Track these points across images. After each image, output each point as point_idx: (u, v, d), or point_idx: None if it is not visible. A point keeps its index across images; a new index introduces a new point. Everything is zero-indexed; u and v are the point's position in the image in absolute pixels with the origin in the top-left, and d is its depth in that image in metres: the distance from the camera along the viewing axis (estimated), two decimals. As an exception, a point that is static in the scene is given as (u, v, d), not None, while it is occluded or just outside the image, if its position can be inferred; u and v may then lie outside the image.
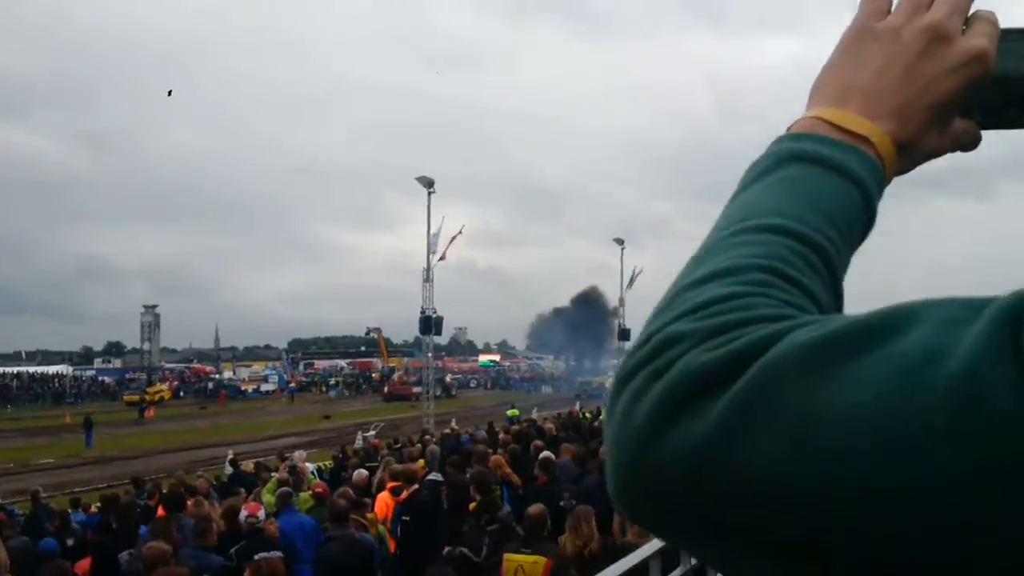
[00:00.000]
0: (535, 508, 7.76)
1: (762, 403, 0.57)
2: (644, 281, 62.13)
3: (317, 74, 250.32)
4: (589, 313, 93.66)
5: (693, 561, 4.68)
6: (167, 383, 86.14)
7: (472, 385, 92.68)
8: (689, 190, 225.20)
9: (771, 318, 0.63)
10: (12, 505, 17.66)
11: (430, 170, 37.86)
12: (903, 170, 0.84)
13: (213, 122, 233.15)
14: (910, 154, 0.82)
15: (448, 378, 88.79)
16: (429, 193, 37.73)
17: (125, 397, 73.35)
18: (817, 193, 0.76)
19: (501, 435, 19.76)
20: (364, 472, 12.97)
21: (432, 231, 38.52)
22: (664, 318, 0.68)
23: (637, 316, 66.65)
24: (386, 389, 78.05)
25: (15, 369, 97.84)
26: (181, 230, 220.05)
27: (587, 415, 29.78)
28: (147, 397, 68.97)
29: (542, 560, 7.07)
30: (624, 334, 64.62)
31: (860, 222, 0.78)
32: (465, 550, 8.68)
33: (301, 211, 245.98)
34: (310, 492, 11.81)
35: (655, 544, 4.33)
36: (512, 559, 7.22)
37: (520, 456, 13.72)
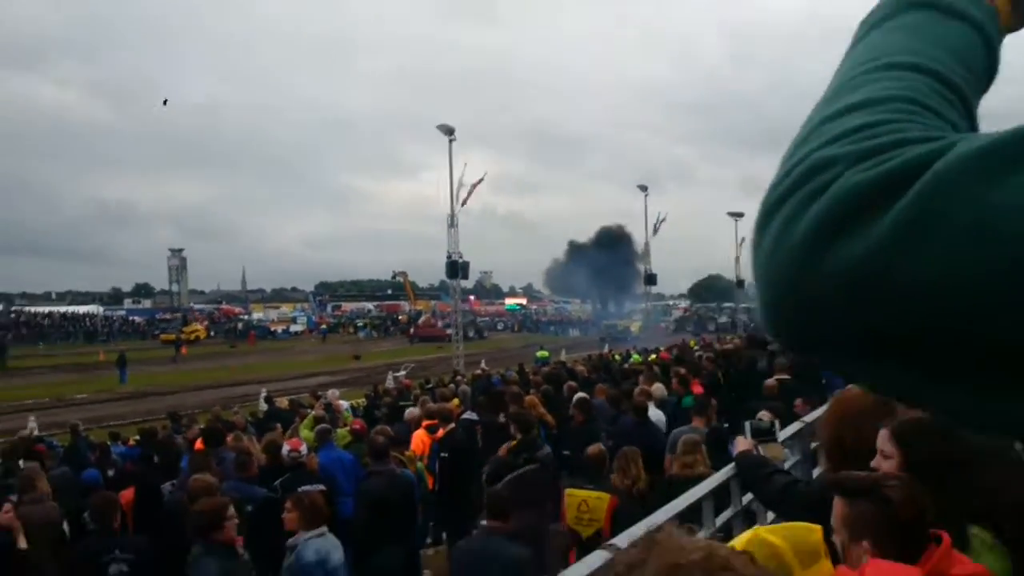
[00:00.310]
0: (594, 447, 7.84)
1: (937, 210, 0.58)
2: (668, 227, 61.97)
3: (341, 23, 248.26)
4: (614, 255, 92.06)
5: (745, 499, 4.68)
6: (201, 323, 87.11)
7: (499, 328, 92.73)
8: (708, 135, 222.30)
9: (923, 139, 0.64)
10: (51, 438, 17.93)
11: (451, 118, 38.71)
12: (1015, 27, 0.84)
13: (238, 69, 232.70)
14: (1021, 11, 0.83)
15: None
16: (450, 140, 38.06)
17: (162, 336, 74.28)
18: (942, 35, 0.77)
19: (532, 376, 19.81)
20: (416, 410, 12.98)
21: (455, 178, 38.86)
22: (808, 147, 0.69)
23: (662, 262, 66.63)
24: (412, 331, 78.24)
25: (46, 309, 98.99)
26: (207, 176, 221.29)
27: (616, 357, 29.81)
28: (183, 336, 69.83)
29: (606, 496, 7.16)
30: (651, 279, 64.54)
31: (984, 67, 0.79)
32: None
33: (325, 158, 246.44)
34: (347, 428, 11.92)
35: (707, 485, 4.34)
36: (575, 494, 7.32)
37: (553, 397, 13.78)
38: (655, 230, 61.16)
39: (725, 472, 4.51)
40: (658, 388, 12.19)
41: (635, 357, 27.58)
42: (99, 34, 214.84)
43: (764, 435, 4.41)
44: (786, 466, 4.55)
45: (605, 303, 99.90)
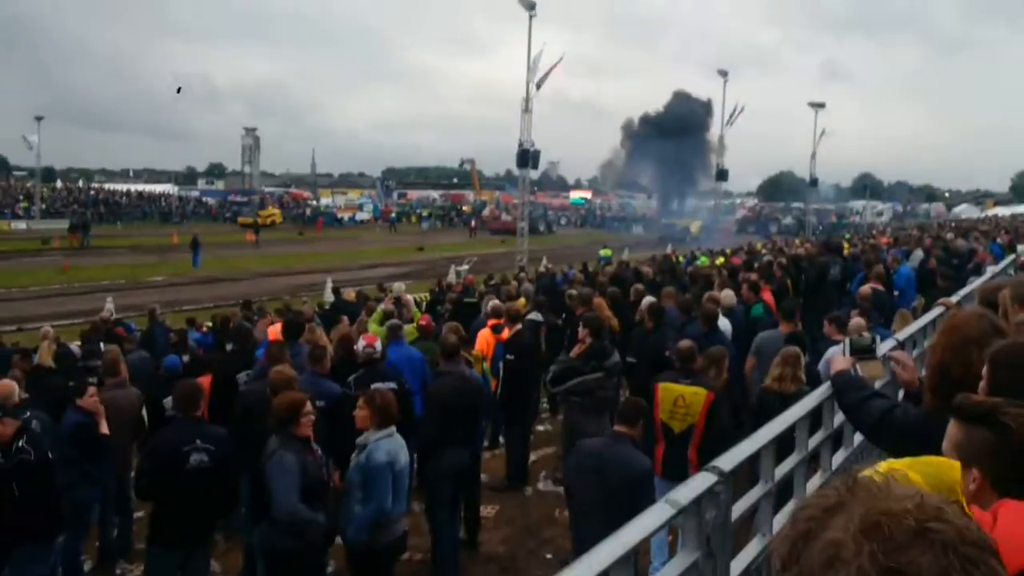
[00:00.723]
0: (685, 343, 7.93)
1: None
2: (743, 117, 60.06)
3: None
4: (681, 142, 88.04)
5: (836, 421, 4.65)
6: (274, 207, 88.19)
7: (563, 223, 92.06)
8: (793, 17, 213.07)
9: None
10: (128, 320, 18.47)
11: None
12: None
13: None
14: None
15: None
16: (530, 16, 35.94)
17: (240, 219, 75.09)
18: None
19: (598, 277, 19.70)
20: (498, 303, 12.96)
21: (531, 58, 36.76)
22: None
23: (736, 156, 64.78)
24: (473, 223, 77.99)
25: (124, 187, 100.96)
26: (280, 52, 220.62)
27: (681, 259, 29.41)
28: (259, 220, 70.70)
29: (703, 392, 7.28)
30: (722, 174, 63.10)
31: None
32: (572, 392, 8.82)
33: (395, 35, 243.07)
34: (414, 325, 11.98)
35: (803, 406, 4.30)
36: (670, 388, 7.41)
37: (619, 300, 13.65)
38: (730, 121, 59.28)
39: (821, 393, 4.41)
40: (727, 295, 11.99)
41: (702, 259, 27.29)
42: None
43: (864, 352, 4.29)
44: (878, 385, 4.46)
45: (668, 199, 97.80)
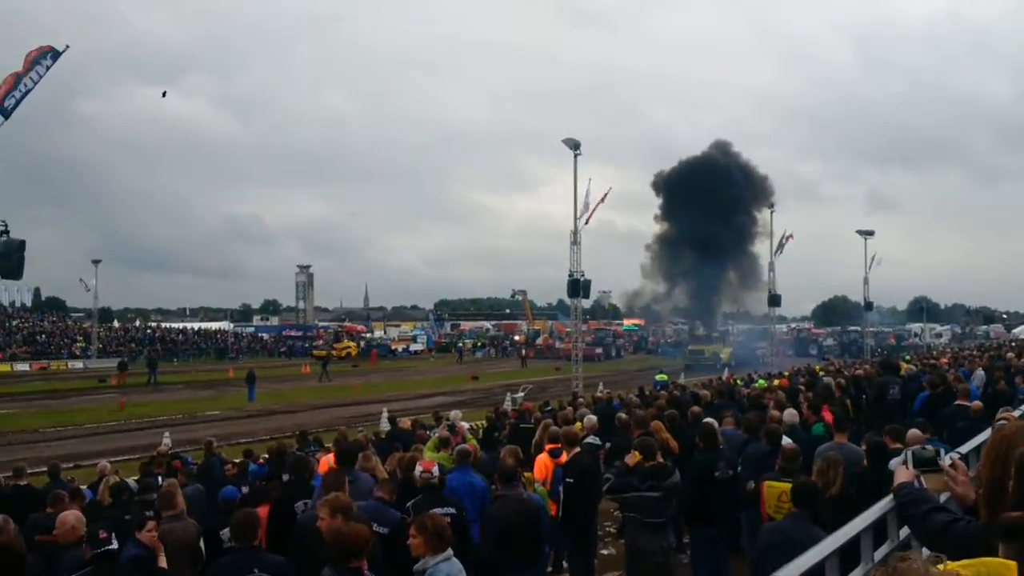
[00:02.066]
0: (789, 444, 9.02)
1: None
2: (793, 245, 60.33)
3: (456, 38, 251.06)
4: (724, 262, 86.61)
5: (902, 533, 4.55)
6: (353, 340, 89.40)
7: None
8: (836, 151, 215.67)
9: None
10: (185, 454, 18.55)
11: (566, 132, 36.92)
12: None
13: (356, 86, 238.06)
14: None
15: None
16: (575, 155, 36.89)
17: (314, 352, 75.16)
18: None
19: (656, 400, 19.56)
20: (555, 427, 12.88)
21: (578, 193, 37.61)
22: None
23: (785, 281, 64.65)
24: (524, 352, 78.41)
25: (180, 325, 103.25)
26: (329, 191, 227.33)
27: (739, 382, 29.19)
28: (334, 353, 71.75)
29: None
30: (774, 299, 62.88)
31: None
32: (631, 512, 8.68)
33: (444, 173, 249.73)
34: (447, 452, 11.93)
35: (866, 518, 4.24)
36: (774, 486, 8.30)
37: (678, 422, 13.58)
38: (780, 248, 59.64)
39: (883, 505, 4.38)
40: (790, 414, 11.95)
41: (760, 382, 26.98)
42: (227, 50, 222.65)
43: (927, 465, 4.24)
44: (943, 499, 4.37)
45: (709, 323, 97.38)
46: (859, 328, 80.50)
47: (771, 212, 60.96)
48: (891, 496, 4.29)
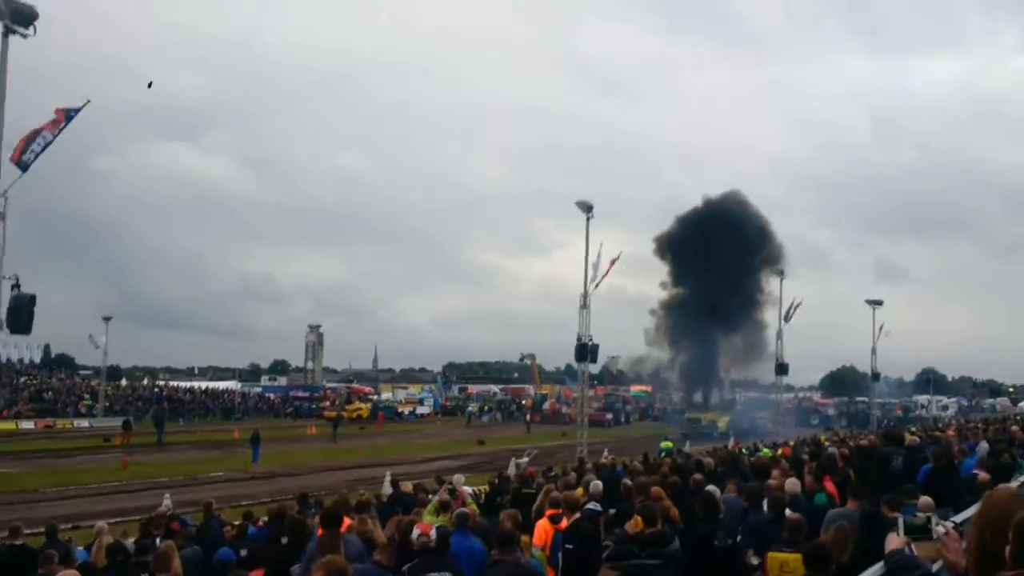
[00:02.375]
0: (793, 516, 8.95)
1: None
2: (804, 314, 60.32)
3: (468, 100, 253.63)
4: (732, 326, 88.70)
5: None
6: (364, 402, 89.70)
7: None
8: (846, 218, 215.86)
9: None
10: (185, 515, 18.45)
11: (580, 195, 37.03)
12: None
13: (371, 146, 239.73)
14: None
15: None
16: (588, 218, 36.87)
17: (325, 413, 76.10)
18: None
19: (659, 467, 19.47)
20: (556, 493, 12.81)
21: (589, 257, 37.63)
22: None
23: (793, 349, 64.19)
24: (529, 417, 78.70)
25: (188, 384, 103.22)
26: (342, 251, 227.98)
27: (743, 450, 29.05)
28: (345, 414, 72.58)
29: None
30: (782, 368, 62.64)
31: None
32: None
33: (458, 235, 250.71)
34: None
35: None
36: (776, 557, 8.19)
37: (681, 489, 13.50)
38: (788, 317, 59.54)
39: (875, 570, 4.36)
40: (791, 483, 11.85)
41: (764, 451, 26.79)
42: (242, 108, 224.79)
43: (918, 532, 4.24)
44: (935, 568, 4.34)
45: (708, 391, 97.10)
46: (866, 399, 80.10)
47: (781, 279, 61.00)
48: (882, 563, 4.29)
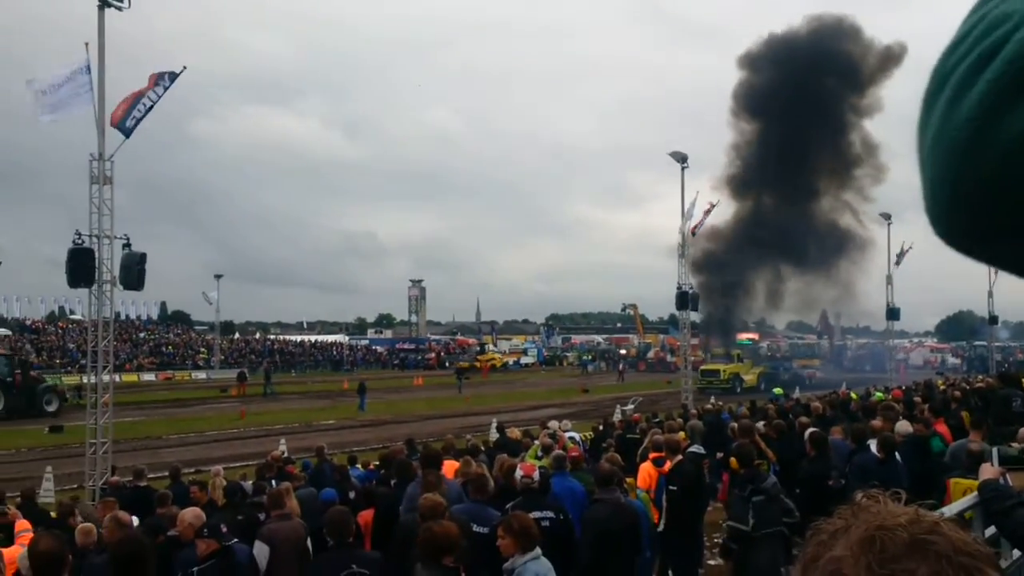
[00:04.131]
0: (975, 444, 8.47)
1: None
2: (912, 258, 58.10)
3: (562, 55, 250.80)
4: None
5: (988, 532, 4.41)
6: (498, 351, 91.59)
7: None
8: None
9: None
10: (303, 459, 19.12)
11: (678, 146, 36.66)
12: None
13: (463, 104, 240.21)
14: None
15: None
16: (683, 168, 36.86)
17: (458, 364, 77.61)
18: None
19: (768, 412, 19.27)
20: (659, 436, 12.75)
21: (685, 206, 37.40)
22: (981, 11, 0.63)
23: (905, 296, 61.32)
24: (621, 367, 77.15)
25: (298, 337, 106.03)
26: (442, 208, 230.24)
27: (854, 396, 28.44)
28: (478, 363, 75.82)
29: None
30: (893, 313, 60.67)
31: None
32: (733, 522, 8.56)
33: (551, 188, 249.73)
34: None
35: (948, 511, 4.10)
36: (960, 483, 7.84)
37: (786, 433, 13.35)
38: (898, 261, 57.63)
39: (967, 500, 4.25)
40: (902, 425, 11.57)
41: (877, 395, 26.19)
42: (338, 70, 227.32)
43: (1013, 462, 4.15)
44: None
45: (833, 336, 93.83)
46: (985, 343, 76.98)
47: (888, 224, 58.74)
48: (976, 492, 4.19)
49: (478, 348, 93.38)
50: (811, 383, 54.25)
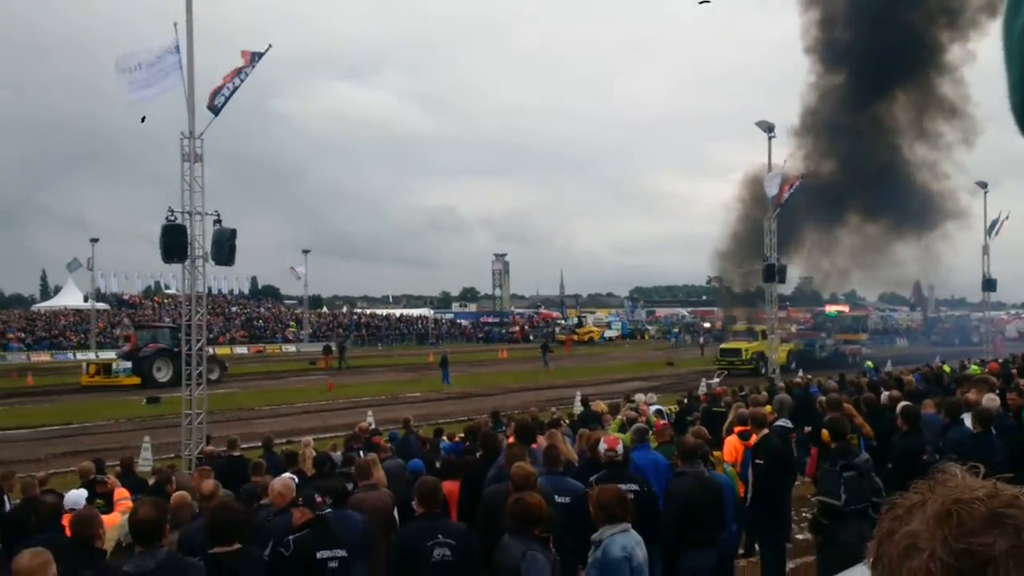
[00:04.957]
0: None
1: None
2: (1011, 228, 56.10)
3: (635, 24, 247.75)
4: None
5: None
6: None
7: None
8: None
9: None
10: (390, 431, 19.44)
11: (763, 115, 35.98)
12: None
13: (541, 76, 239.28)
14: None
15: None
16: (769, 137, 36.20)
17: (557, 335, 79.92)
18: None
19: (857, 384, 18.95)
20: (744, 409, 12.66)
21: (770, 176, 36.79)
22: None
23: (1003, 266, 58.71)
24: (702, 340, 76.32)
25: (384, 311, 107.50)
26: (525, 182, 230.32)
27: (947, 369, 27.70)
28: (577, 336, 77.40)
29: None
30: (989, 284, 58.86)
31: None
32: (824, 497, 8.45)
33: (631, 160, 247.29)
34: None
35: None
36: None
37: (876, 406, 13.09)
38: (996, 230, 55.68)
39: None
40: (989, 399, 11.19)
41: (973, 368, 25.48)
42: (418, 47, 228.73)
43: None
44: None
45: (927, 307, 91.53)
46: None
47: (984, 193, 56.51)
48: None
49: (576, 321, 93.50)
50: (854, 361, 49.52)
